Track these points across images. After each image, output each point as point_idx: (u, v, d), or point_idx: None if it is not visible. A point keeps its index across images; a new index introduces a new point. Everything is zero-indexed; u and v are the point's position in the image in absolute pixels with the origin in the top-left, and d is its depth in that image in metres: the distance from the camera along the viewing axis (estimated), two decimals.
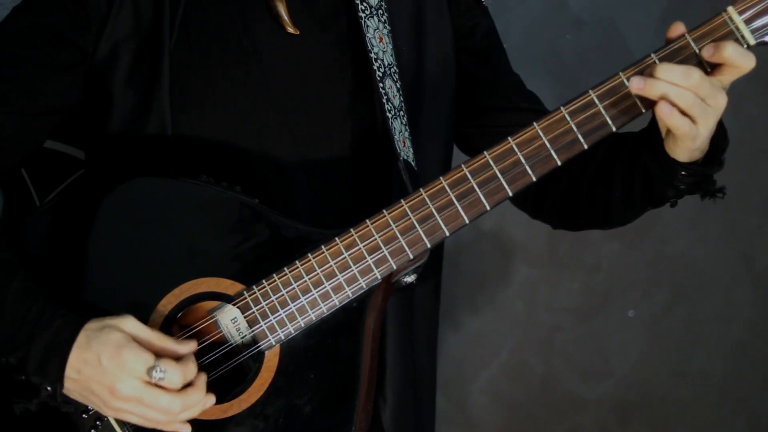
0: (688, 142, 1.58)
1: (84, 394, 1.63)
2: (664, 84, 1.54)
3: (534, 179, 1.62)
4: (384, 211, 1.65)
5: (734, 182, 3.15)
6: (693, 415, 3.38)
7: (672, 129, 1.57)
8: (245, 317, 1.67)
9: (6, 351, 1.63)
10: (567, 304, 3.34)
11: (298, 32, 1.77)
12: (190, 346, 1.65)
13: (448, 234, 1.65)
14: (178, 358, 1.62)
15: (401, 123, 1.80)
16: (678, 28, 1.58)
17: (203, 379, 1.65)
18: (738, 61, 1.54)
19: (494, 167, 1.62)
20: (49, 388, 1.62)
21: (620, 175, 1.75)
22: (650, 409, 3.37)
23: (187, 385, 1.63)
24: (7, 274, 1.65)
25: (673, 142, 1.61)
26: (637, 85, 1.55)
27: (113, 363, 1.58)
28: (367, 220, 1.65)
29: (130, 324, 1.62)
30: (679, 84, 1.53)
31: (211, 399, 1.65)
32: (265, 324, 1.67)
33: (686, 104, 1.54)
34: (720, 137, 1.65)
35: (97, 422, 1.67)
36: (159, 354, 1.61)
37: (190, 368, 1.63)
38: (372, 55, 1.79)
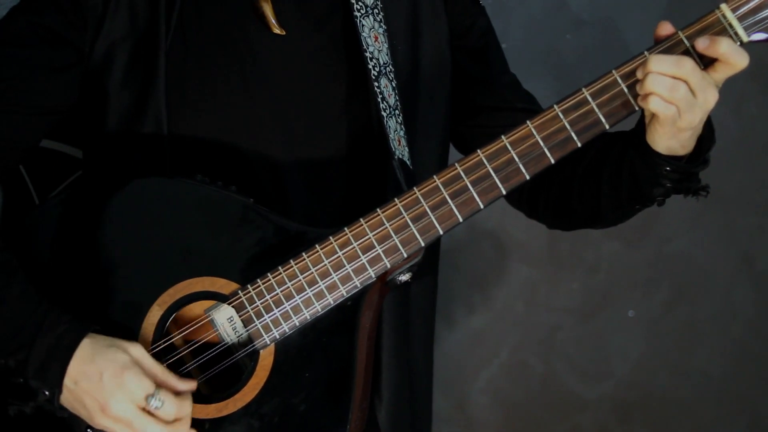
0: (668, 126, 1.58)
1: (75, 405, 1.63)
2: (655, 76, 1.54)
3: (527, 177, 1.62)
4: (378, 209, 1.65)
5: (734, 182, 3.17)
6: (693, 415, 3.37)
7: (655, 112, 1.57)
8: (240, 316, 1.67)
9: (5, 353, 1.63)
10: (567, 304, 3.33)
11: (284, 33, 1.78)
12: (189, 385, 1.65)
13: (441, 233, 1.65)
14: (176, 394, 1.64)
15: (396, 122, 1.80)
16: (666, 27, 1.58)
17: (189, 413, 1.65)
18: (732, 57, 1.54)
19: (487, 165, 1.62)
20: (47, 393, 1.62)
21: (608, 174, 1.75)
22: (650, 409, 3.36)
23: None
24: (8, 276, 1.66)
25: (652, 128, 1.61)
26: (639, 87, 1.56)
27: (113, 381, 1.59)
28: (361, 219, 1.65)
29: (137, 351, 1.63)
30: (671, 74, 1.53)
31: None
32: (259, 323, 1.67)
33: (672, 96, 1.54)
34: (707, 136, 1.65)
35: None
36: (160, 386, 1.62)
37: (186, 406, 1.63)
38: (367, 54, 1.79)
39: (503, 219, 3.24)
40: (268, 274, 1.66)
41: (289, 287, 1.66)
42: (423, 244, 1.65)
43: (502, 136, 1.62)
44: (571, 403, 3.36)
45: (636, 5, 3.21)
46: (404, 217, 1.64)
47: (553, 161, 1.62)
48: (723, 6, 1.55)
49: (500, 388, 3.35)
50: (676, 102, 1.54)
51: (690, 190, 1.68)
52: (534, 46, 3.21)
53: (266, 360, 1.67)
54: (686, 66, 1.54)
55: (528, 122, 1.61)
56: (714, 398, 3.37)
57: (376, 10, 1.84)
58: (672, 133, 1.60)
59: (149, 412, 1.60)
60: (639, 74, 1.57)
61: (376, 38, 1.82)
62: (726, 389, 3.37)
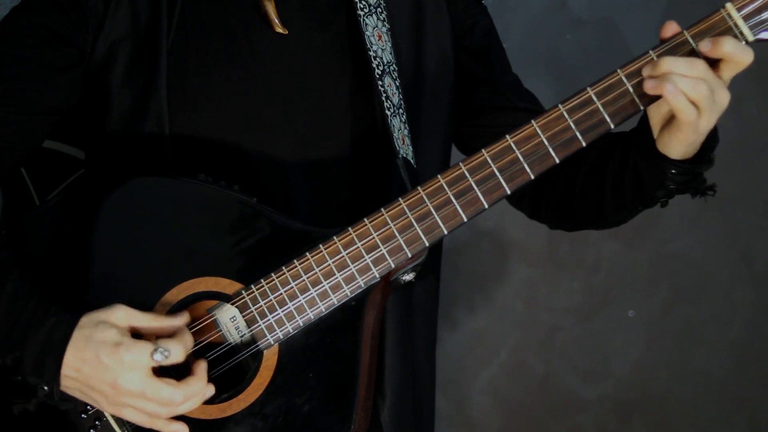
0: (689, 132, 1.58)
1: (84, 391, 1.63)
2: (673, 77, 1.52)
3: (532, 177, 1.62)
4: (382, 209, 1.65)
5: (734, 182, 3.17)
6: (693, 415, 3.37)
7: (677, 113, 1.55)
8: (244, 316, 1.67)
9: (2, 351, 1.63)
10: (567, 304, 3.33)
11: (287, 32, 1.77)
12: (182, 318, 1.65)
13: (446, 232, 1.64)
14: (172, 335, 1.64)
15: (400, 121, 1.80)
16: (671, 27, 1.58)
17: (203, 367, 1.65)
18: (737, 55, 1.53)
19: (492, 165, 1.62)
20: (45, 388, 1.63)
21: (611, 176, 1.75)
22: (650, 409, 3.36)
23: (188, 376, 1.63)
24: (3, 274, 1.65)
25: (669, 134, 1.60)
26: (650, 86, 1.55)
27: (113, 360, 1.59)
28: (365, 219, 1.65)
29: (121, 315, 1.62)
30: (686, 74, 1.53)
31: (211, 389, 1.65)
32: (263, 323, 1.67)
33: (698, 95, 1.53)
34: (711, 135, 1.64)
35: (96, 422, 1.68)
36: (156, 334, 1.62)
37: (187, 339, 1.64)
38: (371, 53, 1.79)
39: (503, 219, 3.24)
40: (272, 275, 1.66)
41: (292, 287, 1.66)
42: (427, 244, 1.65)
43: (507, 136, 1.62)
44: (571, 403, 3.36)
45: (636, 5, 3.21)
46: (408, 216, 1.64)
47: (557, 161, 1.61)
48: (728, 5, 1.55)
49: (500, 388, 3.35)
50: (699, 101, 1.54)
51: (698, 190, 1.68)
52: (534, 46, 3.21)
53: (270, 360, 1.67)
54: (699, 67, 1.54)
55: (533, 121, 1.61)
56: (714, 398, 3.37)
57: (379, 9, 1.84)
58: (692, 138, 1.59)
59: (158, 375, 1.60)
60: (645, 72, 1.56)
61: (380, 37, 1.82)
62: (726, 389, 3.37)
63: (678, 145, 1.61)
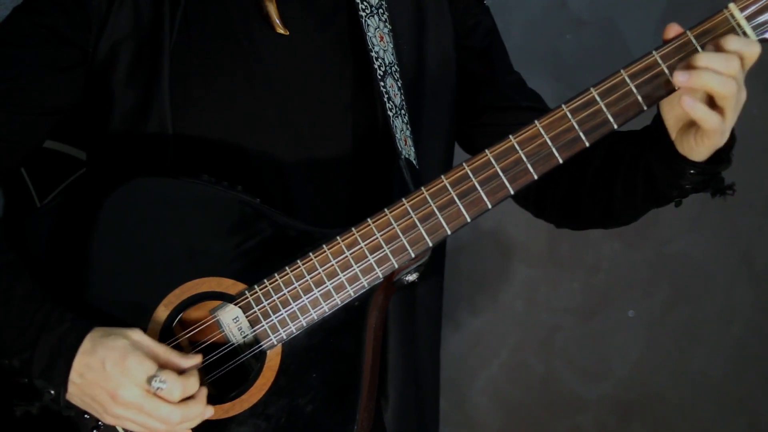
0: (716, 137, 1.57)
1: (84, 399, 1.63)
2: (708, 72, 1.51)
3: (535, 177, 1.62)
4: (385, 209, 1.65)
5: (734, 182, 3.17)
6: (693, 415, 3.38)
7: (700, 122, 1.55)
8: (247, 317, 1.67)
9: (10, 353, 1.63)
10: (567, 304, 3.33)
11: (288, 33, 1.78)
12: (194, 361, 1.65)
13: (449, 233, 1.64)
14: (181, 372, 1.63)
15: (402, 121, 1.80)
16: (674, 28, 1.58)
17: (204, 392, 1.65)
18: (744, 50, 1.53)
19: (495, 165, 1.62)
20: (52, 392, 1.62)
21: (622, 175, 1.74)
22: (650, 409, 3.36)
23: (188, 398, 1.63)
24: (13, 277, 1.66)
25: (696, 140, 1.59)
26: (681, 79, 1.53)
27: (117, 369, 1.59)
28: (369, 219, 1.65)
29: (136, 335, 1.62)
30: (722, 72, 1.52)
31: (210, 411, 1.65)
32: (266, 323, 1.66)
33: (728, 92, 1.52)
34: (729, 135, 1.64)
35: (99, 423, 1.67)
36: (163, 366, 1.61)
37: (192, 383, 1.62)
38: (373, 54, 1.79)
39: (503, 219, 3.25)
40: (275, 275, 1.66)
41: (296, 287, 1.66)
42: (431, 244, 1.65)
43: (510, 136, 1.62)
44: (571, 403, 3.37)
45: (636, 5, 3.21)
46: (412, 217, 1.64)
47: (561, 161, 1.61)
48: (731, 6, 1.54)
49: (500, 388, 3.35)
50: (727, 99, 1.53)
51: (717, 189, 1.67)
52: (534, 46, 3.21)
53: (273, 361, 1.67)
54: (734, 65, 1.53)
55: (536, 122, 1.61)
56: (714, 398, 3.37)
57: (381, 10, 1.84)
58: (721, 142, 1.59)
59: (155, 394, 1.60)
60: (680, 79, 1.53)
61: (381, 38, 1.82)
62: (726, 389, 3.37)
63: (705, 150, 1.60)
